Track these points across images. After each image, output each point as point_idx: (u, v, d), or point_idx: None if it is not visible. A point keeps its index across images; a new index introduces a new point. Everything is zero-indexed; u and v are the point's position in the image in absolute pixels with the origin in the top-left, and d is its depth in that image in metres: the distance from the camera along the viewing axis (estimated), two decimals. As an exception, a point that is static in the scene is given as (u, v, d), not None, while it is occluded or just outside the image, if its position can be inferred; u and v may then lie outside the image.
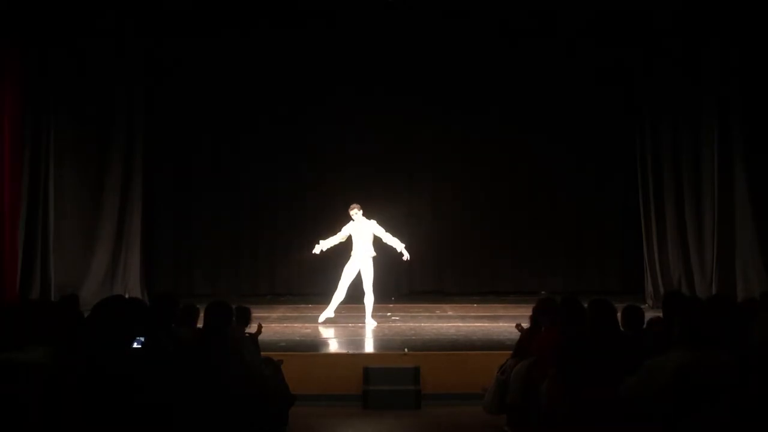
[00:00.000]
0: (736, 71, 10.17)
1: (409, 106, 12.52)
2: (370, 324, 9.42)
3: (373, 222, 9.60)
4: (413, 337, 8.76)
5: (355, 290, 9.48)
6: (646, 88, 11.57)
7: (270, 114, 12.62)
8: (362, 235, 9.50)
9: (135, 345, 4.14)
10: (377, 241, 9.60)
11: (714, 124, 10.42)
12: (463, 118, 12.68)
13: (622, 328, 4.90)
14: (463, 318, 10.28)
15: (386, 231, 9.54)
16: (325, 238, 9.63)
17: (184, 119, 12.51)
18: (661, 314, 5.54)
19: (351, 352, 8.11)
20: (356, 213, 9.54)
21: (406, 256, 9.59)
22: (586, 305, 4.94)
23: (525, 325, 6.17)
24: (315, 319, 9.68)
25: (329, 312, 9.54)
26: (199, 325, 5.33)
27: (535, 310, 5.95)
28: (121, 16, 11.03)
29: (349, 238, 9.57)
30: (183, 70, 12.31)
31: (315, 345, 8.51)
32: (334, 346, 8.78)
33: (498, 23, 12.04)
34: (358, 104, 12.51)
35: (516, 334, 6.31)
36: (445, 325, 9.72)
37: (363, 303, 9.45)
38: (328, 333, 9.25)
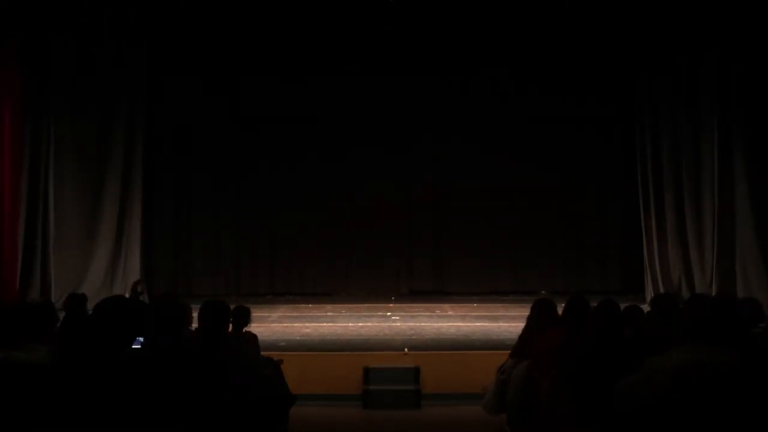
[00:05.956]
0: (735, 71, 10.16)
1: (411, 108, 12.53)
2: None
3: None
4: (413, 337, 8.76)
5: (355, 291, 9.46)
6: (646, 88, 11.58)
7: (271, 115, 12.62)
8: None
9: (135, 345, 4.13)
10: None
11: (714, 124, 10.42)
12: (463, 118, 12.68)
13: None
14: (463, 318, 10.27)
15: None
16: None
17: (184, 119, 12.50)
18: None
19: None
20: None
21: None
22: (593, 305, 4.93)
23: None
24: (315, 319, 9.67)
25: None
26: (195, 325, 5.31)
27: (532, 311, 5.93)
28: (123, 14, 11.03)
29: None
30: (184, 71, 12.31)
31: (315, 345, 8.51)
32: (334, 346, 8.77)
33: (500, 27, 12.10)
34: (361, 101, 12.51)
35: (516, 334, 6.30)
36: (445, 325, 9.72)
37: (364, 303, 9.41)
38: (328, 333, 9.26)
